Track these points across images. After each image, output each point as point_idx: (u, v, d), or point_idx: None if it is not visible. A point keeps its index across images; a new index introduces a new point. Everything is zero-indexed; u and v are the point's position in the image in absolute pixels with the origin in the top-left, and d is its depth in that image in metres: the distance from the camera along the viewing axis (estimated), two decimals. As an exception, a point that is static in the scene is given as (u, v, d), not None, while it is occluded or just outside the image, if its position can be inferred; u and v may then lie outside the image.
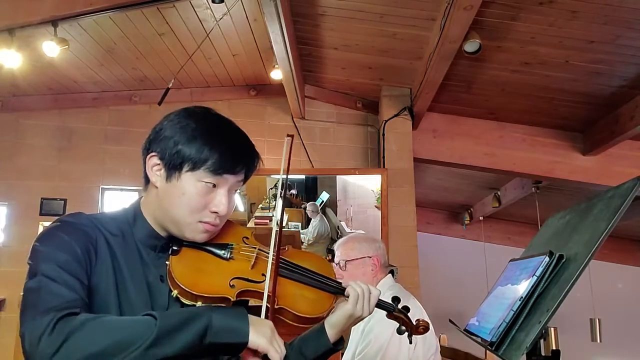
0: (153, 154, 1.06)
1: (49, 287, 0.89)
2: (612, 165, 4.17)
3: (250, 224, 4.04)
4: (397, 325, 1.23)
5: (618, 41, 3.02)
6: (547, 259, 1.11)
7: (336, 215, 4.04)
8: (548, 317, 1.00)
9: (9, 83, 3.84)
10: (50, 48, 3.07)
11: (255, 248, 1.13)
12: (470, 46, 3.07)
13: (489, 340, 1.15)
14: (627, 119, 3.66)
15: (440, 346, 2.34)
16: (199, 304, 1.01)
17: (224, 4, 2.99)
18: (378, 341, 1.97)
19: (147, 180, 1.11)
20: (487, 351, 2.16)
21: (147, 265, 1.06)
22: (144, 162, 1.09)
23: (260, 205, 4.13)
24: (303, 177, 4.21)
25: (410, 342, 1.25)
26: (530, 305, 1.09)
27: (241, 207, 4.08)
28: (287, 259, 1.15)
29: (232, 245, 1.11)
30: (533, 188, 5.20)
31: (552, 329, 1.11)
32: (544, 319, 1.00)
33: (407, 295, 2.16)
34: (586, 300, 5.17)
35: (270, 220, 4.07)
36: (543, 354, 1.09)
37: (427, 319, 2.09)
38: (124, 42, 3.51)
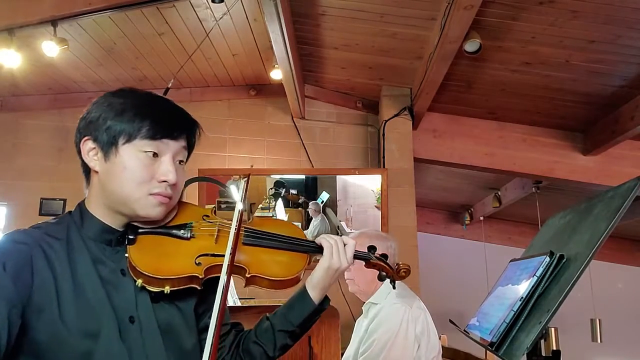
0: (86, 138, 1.04)
1: None
2: (612, 165, 4.17)
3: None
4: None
5: (618, 41, 3.02)
6: (547, 259, 1.11)
7: (336, 215, 4.04)
8: (548, 317, 0.99)
9: (9, 83, 3.84)
10: (50, 48, 3.07)
11: (215, 222, 1.11)
12: (471, 46, 3.06)
13: (489, 340, 1.15)
14: (628, 119, 3.65)
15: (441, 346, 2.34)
16: (167, 288, 0.99)
17: (223, 3, 2.99)
18: (381, 341, 1.98)
19: (86, 174, 1.09)
20: (488, 351, 2.16)
21: (101, 262, 1.02)
22: (79, 153, 1.06)
23: (260, 205, 4.13)
24: (303, 177, 4.21)
25: (394, 288, 1.25)
26: (531, 305, 1.09)
27: (241, 207, 4.08)
28: (251, 227, 1.14)
29: (191, 223, 1.08)
30: (533, 188, 5.20)
31: (553, 329, 1.10)
32: (545, 319, 1.00)
33: (412, 295, 2.16)
34: (586, 301, 5.17)
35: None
36: (543, 354, 1.09)
37: (430, 319, 2.10)
38: (123, 42, 3.51)
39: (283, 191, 4.08)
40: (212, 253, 1.04)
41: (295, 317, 1.15)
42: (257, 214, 4.09)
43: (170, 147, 1.03)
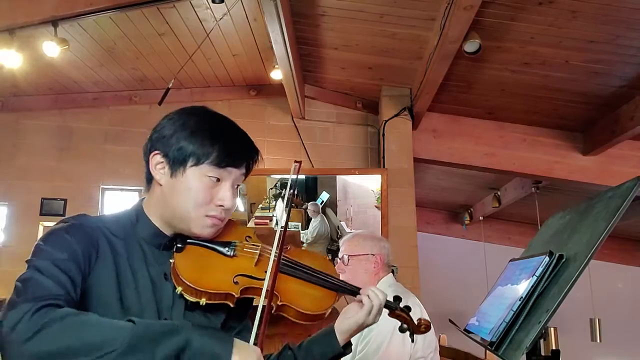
0: (156, 152, 1.08)
1: (38, 279, 0.90)
2: (612, 165, 4.17)
3: (250, 224, 4.04)
4: (399, 323, 1.24)
5: (618, 41, 3.02)
6: (547, 259, 1.11)
7: (336, 215, 4.04)
8: (548, 317, 1.00)
9: (9, 83, 3.84)
10: (51, 48, 3.07)
11: (258, 246, 1.14)
12: (470, 46, 3.07)
13: (488, 340, 1.15)
14: (627, 119, 3.66)
15: (440, 346, 2.35)
16: (202, 300, 1.01)
17: (224, 4, 2.99)
18: (377, 339, 1.99)
19: (149, 181, 1.12)
20: (487, 351, 2.16)
21: (150, 264, 1.07)
22: (147, 162, 1.10)
23: (260, 205, 4.13)
24: (303, 177, 4.21)
25: (413, 341, 1.26)
26: (530, 305, 1.10)
27: (241, 207, 4.08)
28: (289, 257, 1.16)
29: (235, 243, 1.12)
30: (533, 188, 5.20)
31: (552, 328, 1.11)
32: (544, 319, 1.00)
33: (407, 293, 2.17)
34: (586, 300, 5.17)
35: (270, 220, 4.08)
36: (543, 354, 1.10)
37: (427, 317, 2.11)
38: (124, 42, 3.51)
39: (284, 191, 4.08)
40: (250, 275, 1.08)
41: (318, 354, 1.18)
42: (257, 213, 4.10)
43: (232, 175, 1.08)
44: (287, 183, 4.10)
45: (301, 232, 4.03)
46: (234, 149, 1.08)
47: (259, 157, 1.15)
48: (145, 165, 1.11)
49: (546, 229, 1.50)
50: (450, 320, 1.69)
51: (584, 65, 3.32)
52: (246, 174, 1.13)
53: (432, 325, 2.07)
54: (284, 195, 4.08)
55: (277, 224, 4.03)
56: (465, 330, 1.43)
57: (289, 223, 4.06)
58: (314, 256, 1.25)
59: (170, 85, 3.31)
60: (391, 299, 1.24)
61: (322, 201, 4.07)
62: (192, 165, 1.05)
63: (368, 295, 1.17)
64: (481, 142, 4.28)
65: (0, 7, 2.96)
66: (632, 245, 6.99)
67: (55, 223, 1.05)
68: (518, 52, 3.29)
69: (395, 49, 3.58)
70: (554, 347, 1.10)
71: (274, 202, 4.09)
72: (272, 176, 4.14)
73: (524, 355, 1.06)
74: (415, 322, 1.23)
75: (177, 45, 3.58)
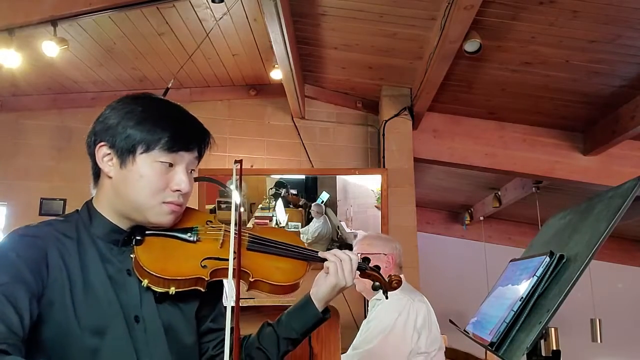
0: (102, 143, 1.05)
1: None
2: (612, 165, 4.17)
3: (250, 224, 4.04)
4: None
5: (618, 41, 3.02)
6: (547, 259, 1.11)
7: (336, 215, 4.04)
8: (548, 317, 0.99)
9: (9, 83, 3.84)
10: (50, 48, 3.07)
11: (221, 228, 1.14)
12: (471, 46, 3.06)
13: (489, 340, 1.15)
14: (628, 119, 3.65)
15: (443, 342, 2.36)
16: (172, 289, 1.01)
17: (223, 3, 2.99)
18: (377, 328, 2.03)
19: (96, 176, 1.10)
20: (487, 351, 2.16)
21: (108, 261, 1.04)
22: (92, 155, 1.07)
23: (260, 206, 4.13)
24: (303, 177, 4.20)
25: (387, 298, 1.30)
26: (531, 305, 1.09)
27: (241, 207, 4.08)
28: (255, 234, 1.18)
29: (196, 227, 1.12)
30: (533, 188, 5.20)
31: (553, 329, 1.10)
32: (545, 319, 1.00)
33: (414, 292, 2.19)
34: (586, 301, 5.17)
35: (270, 220, 4.07)
36: (543, 354, 1.09)
37: (432, 313, 2.12)
38: (123, 41, 3.51)
39: (283, 191, 4.09)
40: (217, 257, 1.08)
41: (299, 325, 1.18)
42: (257, 213, 4.09)
43: (185, 158, 1.06)
44: (282, 182, 4.09)
45: (300, 231, 4.03)
46: (184, 132, 1.06)
47: (211, 140, 1.13)
48: (91, 159, 1.08)
49: (547, 229, 1.49)
50: (450, 321, 1.69)
51: (585, 65, 3.32)
52: (199, 158, 1.12)
53: (437, 324, 2.09)
54: (282, 194, 4.08)
55: (275, 221, 4.03)
56: (465, 330, 1.42)
57: (289, 223, 4.06)
58: (278, 231, 1.30)
59: (170, 85, 3.31)
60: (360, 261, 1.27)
61: (322, 201, 4.07)
62: (142, 153, 1.02)
63: (334, 254, 1.18)
64: (481, 142, 4.28)
65: (-1, 7, 2.97)
66: (632, 245, 6.99)
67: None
68: (518, 51, 3.29)
69: (395, 49, 3.57)
70: (554, 348, 1.10)
71: (274, 202, 4.09)
72: (272, 176, 4.13)
73: (525, 356, 1.05)
74: (386, 279, 1.26)
75: (177, 45, 3.58)
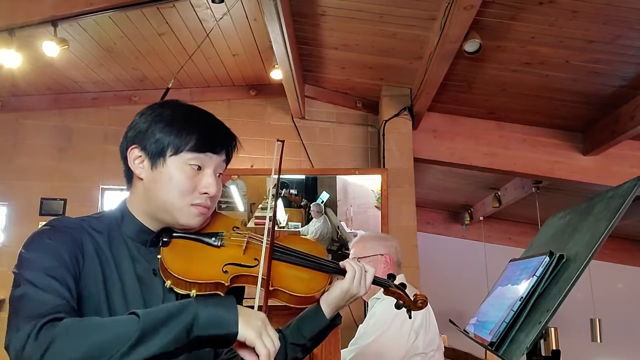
0: (133, 146, 1.08)
1: (33, 294, 0.88)
2: (612, 165, 4.17)
3: (250, 224, 4.04)
4: (395, 300, 1.25)
5: (618, 41, 3.02)
6: (547, 259, 1.11)
7: (336, 215, 4.04)
8: (548, 317, 0.99)
9: (9, 83, 3.84)
10: (50, 48, 3.07)
11: (245, 235, 1.15)
12: (471, 46, 3.06)
13: (489, 340, 1.15)
14: (627, 119, 3.65)
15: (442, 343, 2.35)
16: (193, 292, 1.01)
17: (224, 4, 2.99)
18: (377, 324, 2.03)
19: (129, 179, 1.12)
20: (487, 351, 2.16)
21: (137, 260, 1.06)
22: (125, 159, 1.10)
23: (260, 206, 4.12)
24: (303, 177, 4.20)
25: (410, 317, 1.26)
26: (531, 305, 1.09)
27: (241, 207, 4.08)
28: (278, 242, 1.18)
29: (222, 233, 1.13)
30: (533, 188, 5.20)
31: (553, 329, 1.11)
32: (544, 319, 1.00)
33: (414, 291, 2.17)
34: (586, 300, 5.17)
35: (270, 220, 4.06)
36: (543, 354, 1.09)
37: (431, 313, 2.12)
38: (123, 42, 3.51)
39: (283, 191, 4.09)
40: (239, 263, 1.08)
41: (308, 331, 1.18)
42: (257, 214, 4.09)
43: (213, 161, 1.09)
44: (283, 182, 4.09)
45: (300, 230, 4.03)
46: (212, 135, 1.09)
47: (238, 144, 1.16)
48: (124, 163, 1.11)
49: (546, 229, 1.49)
50: (450, 321, 1.69)
51: (584, 65, 3.32)
52: (227, 162, 1.14)
53: (435, 323, 2.09)
54: (283, 194, 4.08)
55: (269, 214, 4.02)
56: (465, 330, 1.42)
57: (289, 223, 4.06)
58: (302, 241, 1.27)
59: (170, 85, 3.31)
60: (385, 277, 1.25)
61: (322, 201, 4.07)
62: (171, 155, 1.05)
63: (349, 263, 1.19)
64: (481, 142, 4.28)
65: (0, 7, 2.97)
66: (632, 245, 6.99)
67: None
68: (518, 51, 3.29)
69: (395, 49, 3.58)
70: (554, 348, 1.10)
71: (274, 202, 4.08)
72: (272, 176, 4.13)
73: (524, 356, 1.06)
74: (412, 298, 1.23)
75: (177, 45, 3.58)
